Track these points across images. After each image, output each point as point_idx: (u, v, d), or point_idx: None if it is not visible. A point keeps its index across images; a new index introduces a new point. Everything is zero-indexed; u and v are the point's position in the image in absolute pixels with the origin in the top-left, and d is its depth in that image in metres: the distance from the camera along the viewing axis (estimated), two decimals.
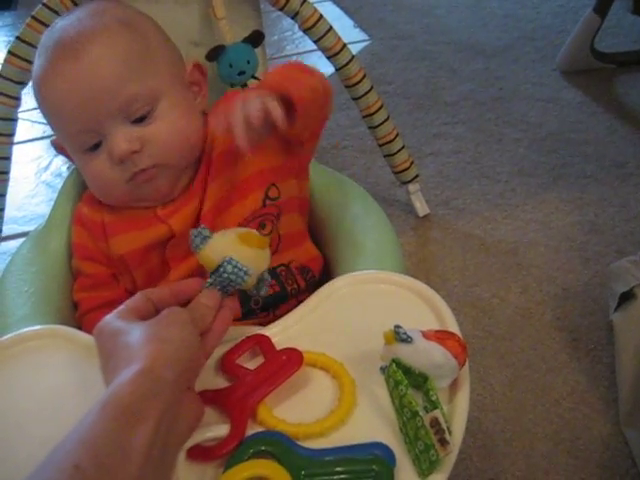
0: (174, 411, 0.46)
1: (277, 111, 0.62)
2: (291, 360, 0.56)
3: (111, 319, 0.52)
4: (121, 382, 0.45)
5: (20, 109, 1.03)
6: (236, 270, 0.56)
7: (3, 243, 1.16)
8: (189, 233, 0.58)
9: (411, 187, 1.32)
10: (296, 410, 0.55)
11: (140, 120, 0.68)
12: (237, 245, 0.58)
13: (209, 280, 0.58)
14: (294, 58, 1.99)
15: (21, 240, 0.84)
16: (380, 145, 1.24)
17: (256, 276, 0.59)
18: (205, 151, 0.75)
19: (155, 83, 0.69)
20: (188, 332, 0.51)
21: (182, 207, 0.73)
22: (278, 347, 0.59)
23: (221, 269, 0.56)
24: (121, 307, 0.54)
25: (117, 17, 0.70)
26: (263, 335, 0.61)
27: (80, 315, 0.76)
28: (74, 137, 0.70)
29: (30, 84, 0.74)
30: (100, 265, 0.76)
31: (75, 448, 0.41)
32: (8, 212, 1.12)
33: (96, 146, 0.69)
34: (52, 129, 0.74)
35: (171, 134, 0.70)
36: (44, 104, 0.71)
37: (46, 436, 0.54)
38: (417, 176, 1.30)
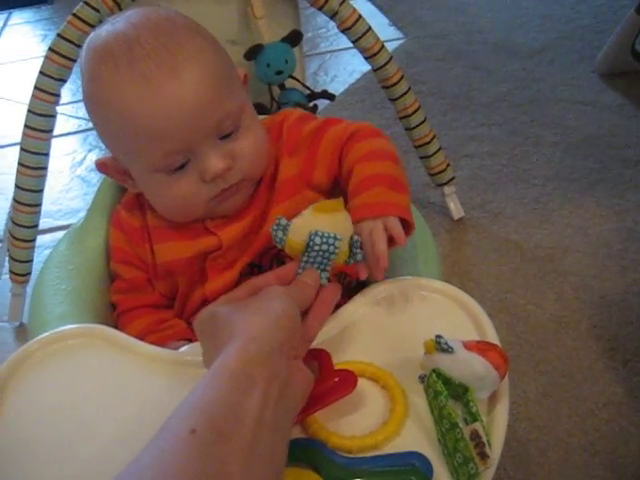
0: (283, 377, 0.47)
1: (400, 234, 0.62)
2: (344, 382, 0.54)
3: (212, 306, 0.53)
4: (228, 352, 0.46)
5: None
6: (324, 239, 0.56)
7: (38, 237, 1.17)
8: (270, 231, 0.58)
9: (446, 189, 1.30)
10: (347, 421, 0.54)
11: (227, 136, 0.66)
12: (316, 217, 0.58)
13: (301, 264, 0.57)
14: (328, 56, 1.99)
15: (56, 234, 0.85)
16: (416, 147, 1.23)
17: (346, 242, 0.58)
18: (267, 173, 0.73)
19: (240, 97, 0.68)
20: (287, 304, 0.51)
21: (235, 221, 0.72)
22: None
23: (310, 244, 0.56)
24: (222, 297, 0.55)
25: (188, 26, 0.65)
26: (323, 350, 0.58)
27: (117, 315, 0.76)
28: (161, 158, 0.64)
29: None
30: (137, 270, 0.76)
31: (190, 414, 0.42)
32: (43, 206, 1.13)
33: (182, 166, 0.65)
34: (121, 149, 0.68)
35: (257, 147, 0.68)
36: (127, 123, 0.63)
37: (84, 434, 0.55)
38: (453, 178, 1.29)
